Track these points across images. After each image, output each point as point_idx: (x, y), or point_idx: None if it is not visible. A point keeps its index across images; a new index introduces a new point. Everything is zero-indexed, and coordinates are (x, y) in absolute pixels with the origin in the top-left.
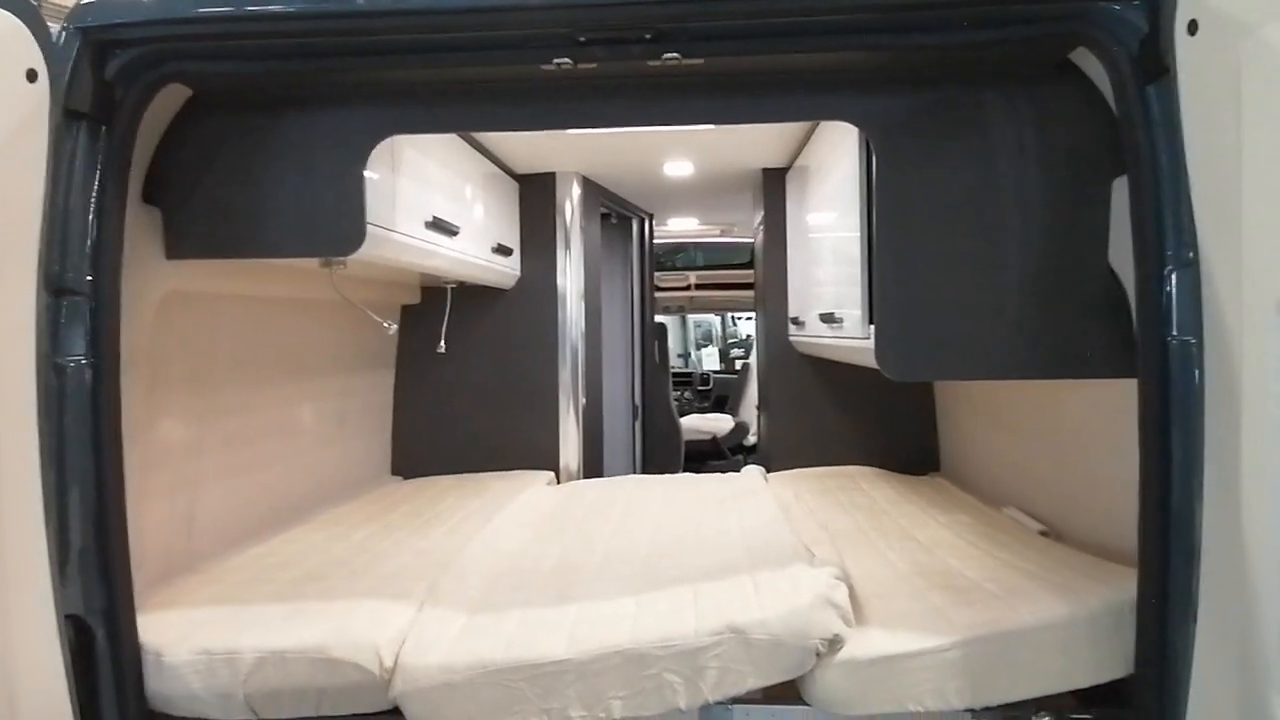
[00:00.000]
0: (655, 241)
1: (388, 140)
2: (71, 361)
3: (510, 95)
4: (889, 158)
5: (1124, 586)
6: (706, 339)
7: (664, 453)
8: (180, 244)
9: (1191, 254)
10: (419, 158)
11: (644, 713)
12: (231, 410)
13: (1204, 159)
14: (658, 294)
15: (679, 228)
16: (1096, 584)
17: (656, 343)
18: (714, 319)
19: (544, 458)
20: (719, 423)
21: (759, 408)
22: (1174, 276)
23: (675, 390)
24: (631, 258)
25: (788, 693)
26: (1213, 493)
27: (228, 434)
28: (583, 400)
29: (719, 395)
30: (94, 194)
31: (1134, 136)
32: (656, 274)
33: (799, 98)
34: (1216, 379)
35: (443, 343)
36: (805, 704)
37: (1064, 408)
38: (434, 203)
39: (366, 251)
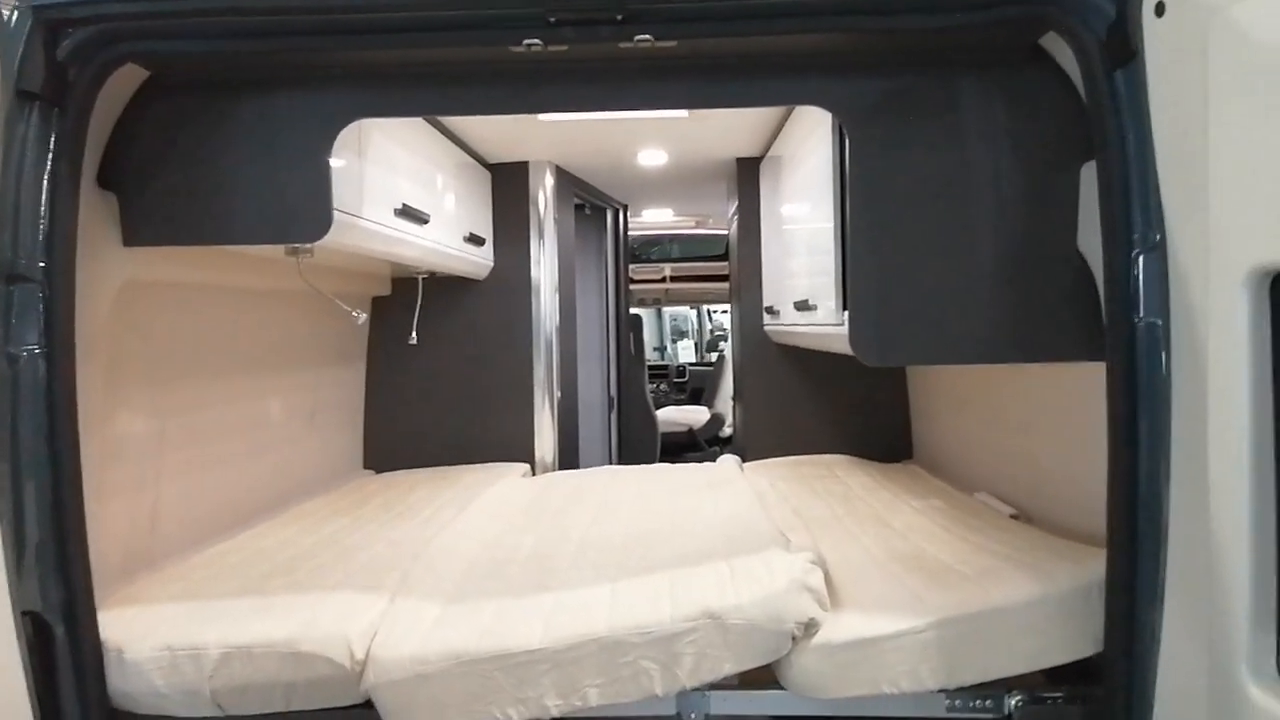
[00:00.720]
0: (630, 234)
1: (355, 125)
2: (25, 351)
3: (480, 78)
4: (861, 143)
5: (1093, 566)
6: (681, 333)
7: (640, 445)
8: (137, 231)
9: (1158, 236)
10: (387, 143)
11: (620, 700)
12: (195, 404)
13: (1171, 142)
14: (633, 287)
15: (654, 219)
16: (1066, 564)
17: (632, 334)
18: (689, 313)
19: (519, 450)
20: (695, 415)
21: (734, 399)
22: (1141, 259)
23: (651, 383)
24: (606, 249)
25: (764, 678)
26: (1180, 471)
27: (192, 429)
28: (558, 394)
29: (695, 388)
30: (46, 178)
31: (1102, 121)
32: (631, 266)
33: (772, 82)
34: (1183, 360)
35: (414, 334)
36: (781, 689)
37: (1032, 394)
38: (403, 190)
39: (333, 239)
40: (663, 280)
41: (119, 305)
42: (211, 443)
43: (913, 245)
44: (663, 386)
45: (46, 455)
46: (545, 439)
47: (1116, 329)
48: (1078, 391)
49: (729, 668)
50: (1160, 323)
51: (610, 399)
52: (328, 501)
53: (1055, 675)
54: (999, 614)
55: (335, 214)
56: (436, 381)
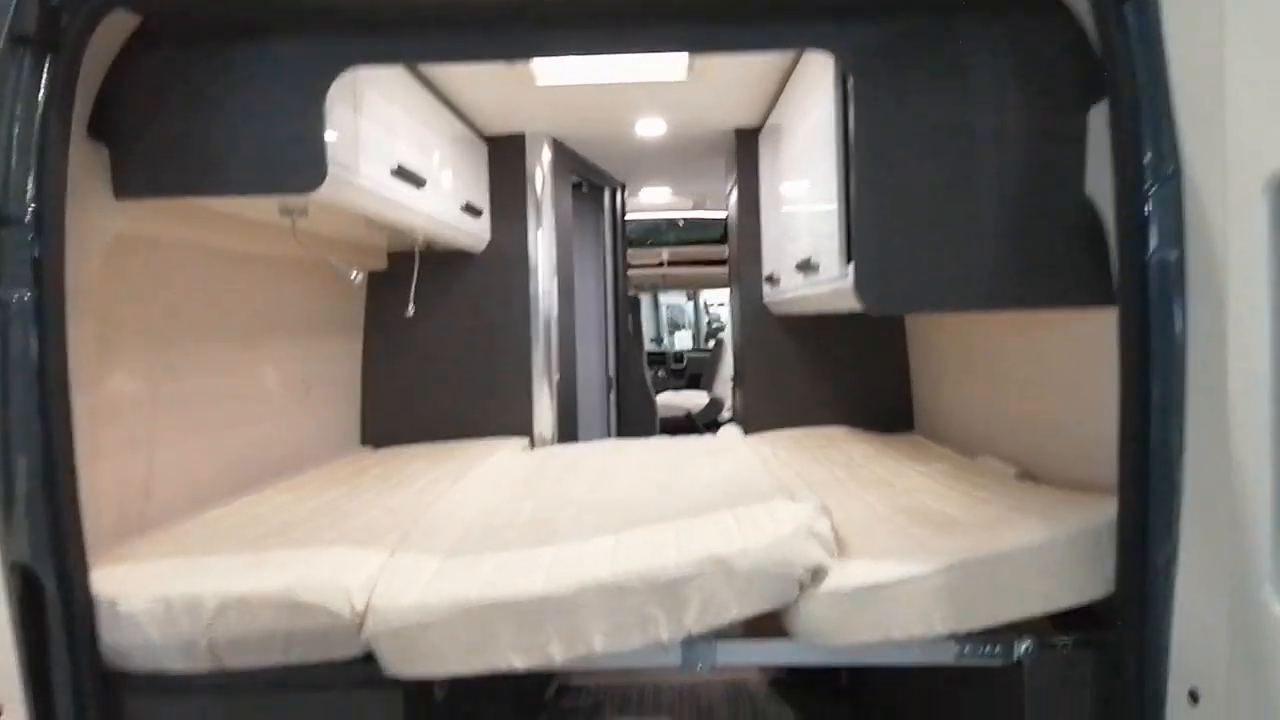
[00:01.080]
0: (627, 219)
1: (350, 83)
2: (14, 295)
3: (476, 24)
4: (865, 88)
5: (1104, 509)
6: (677, 325)
7: (639, 425)
8: (129, 182)
9: (1172, 168)
10: (384, 104)
11: (625, 647)
12: (189, 369)
13: (1184, 67)
14: (630, 272)
15: (651, 200)
16: (1075, 508)
17: (630, 315)
18: (686, 305)
19: (517, 427)
20: (694, 399)
21: (734, 380)
22: (1154, 193)
23: (649, 369)
24: (604, 229)
25: (770, 628)
26: (1197, 401)
27: (185, 393)
28: (556, 375)
29: (693, 373)
30: (38, 122)
31: (1113, 55)
32: (629, 251)
33: (774, 26)
34: (1200, 288)
35: (411, 305)
36: (788, 638)
37: (1037, 352)
38: (400, 151)
39: (328, 195)
40: (660, 265)
41: (110, 263)
42: (205, 409)
43: (917, 190)
44: (660, 373)
45: (37, 403)
46: (544, 416)
47: (1129, 266)
48: (1084, 347)
49: (735, 612)
50: (1175, 256)
51: (609, 379)
52: (323, 473)
53: (1065, 625)
54: (1008, 557)
55: (330, 168)
56: (434, 358)
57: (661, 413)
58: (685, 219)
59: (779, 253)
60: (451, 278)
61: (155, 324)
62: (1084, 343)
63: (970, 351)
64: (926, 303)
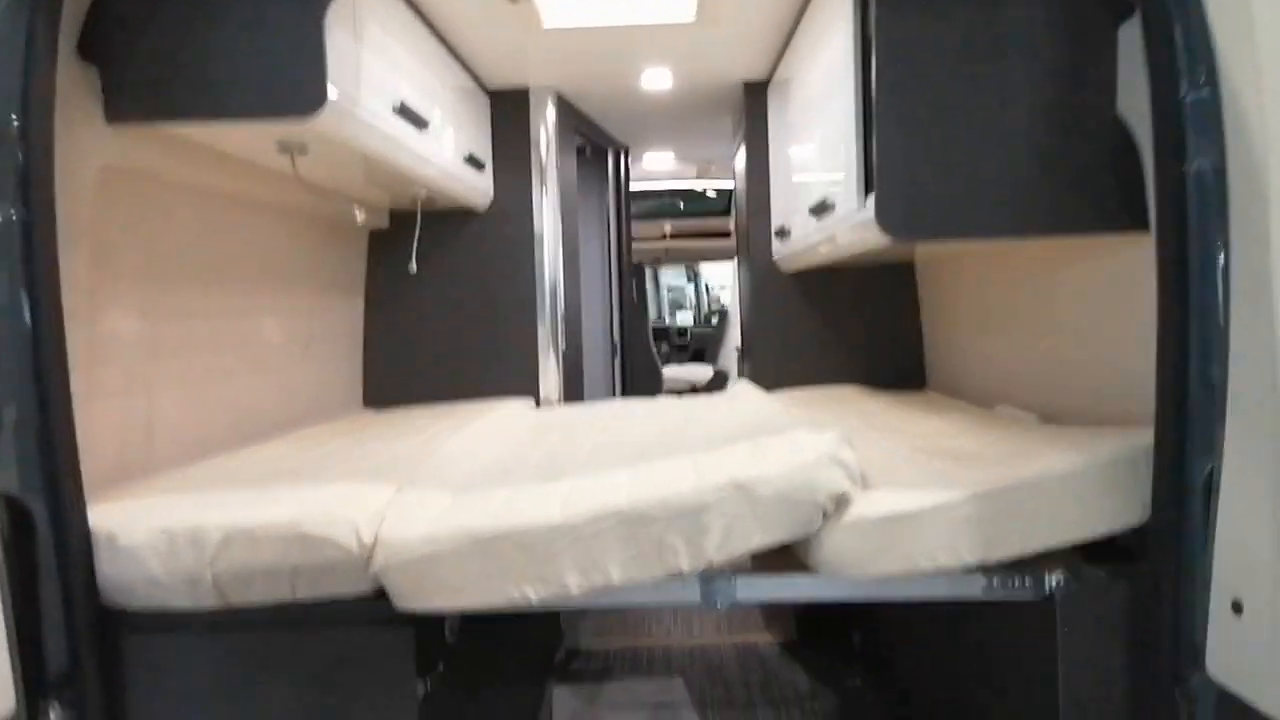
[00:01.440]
0: (631, 192)
1: (350, 12)
2: (2, 213)
3: None
4: (889, 7)
5: (1139, 436)
6: (679, 305)
7: (644, 390)
8: (120, 105)
9: (1207, 76)
10: (386, 38)
11: (644, 576)
12: (187, 312)
13: None
14: (634, 245)
15: (654, 166)
16: (1108, 438)
17: (634, 281)
18: (687, 286)
19: (523, 390)
20: (699, 371)
21: (740, 351)
22: (1191, 102)
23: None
24: (607, 194)
25: (789, 564)
26: (1241, 309)
27: (184, 337)
28: (563, 344)
29: (696, 348)
30: (25, 34)
31: None
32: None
33: None
34: (1242, 199)
35: (413, 261)
36: (810, 573)
37: (1059, 294)
38: (402, 89)
39: (328, 127)
40: (663, 237)
41: (103, 196)
42: (206, 356)
43: (941, 112)
44: (664, 347)
45: (29, 326)
46: (550, 379)
47: (1166, 180)
48: (1111, 282)
49: (758, 540)
50: (1214, 166)
51: (613, 345)
52: (328, 428)
53: (1097, 559)
54: (1040, 485)
55: (330, 94)
56: (437, 320)
57: (667, 385)
58: (688, 189)
59: (789, 206)
60: (454, 237)
61: (153, 266)
62: (1110, 278)
63: (986, 301)
64: (952, 229)
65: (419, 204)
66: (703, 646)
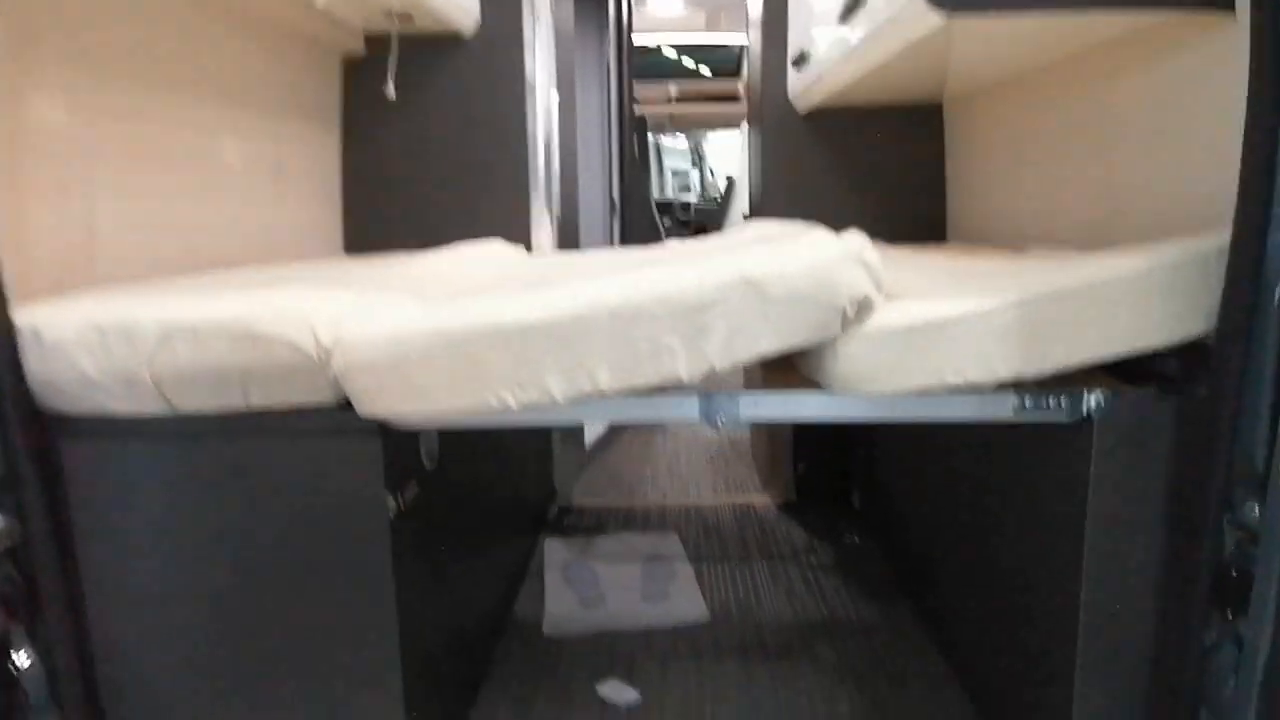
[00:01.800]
0: (634, 46)
1: None
2: None
3: None
4: None
5: (1210, 238)
6: (685, 188)
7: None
8: None
9: None
10: None
11: (636, 382)
12: (132, 113)
13: None
14: (636, 109)
15: (661, 13)
16: (1174, 242)
17: (635, 135)
18: (691, 170)
19: (514, 239)
20: None
21: (747, 218)
22: None
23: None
24: (607, 42)
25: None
26: None
27: (129, 140)
28: (558, 203)
29: (699, 225)
30: None
31: None
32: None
33: None
34: None
35: (391, 86)
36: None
37: (1110, 117)
38: None
39: None
40: (667, 102)
41: None
42: (156, 167)
43: None
44: (667, 222)
45: None
46: (543, 230)
47: None
48: (1183, 82)
49: (766, 344)
50: None
51: (612, 202)
52: (301, 265)
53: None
54: (1094, 289)
55: None
56: (421, 160)
57: None
58: (696, 44)
59: (809, 29)
60: (438, 69)
61: (87, 50)
62: (1177, 82)
63: (1023, 137)
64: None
65: (395, 17)
66: (699, 507)
